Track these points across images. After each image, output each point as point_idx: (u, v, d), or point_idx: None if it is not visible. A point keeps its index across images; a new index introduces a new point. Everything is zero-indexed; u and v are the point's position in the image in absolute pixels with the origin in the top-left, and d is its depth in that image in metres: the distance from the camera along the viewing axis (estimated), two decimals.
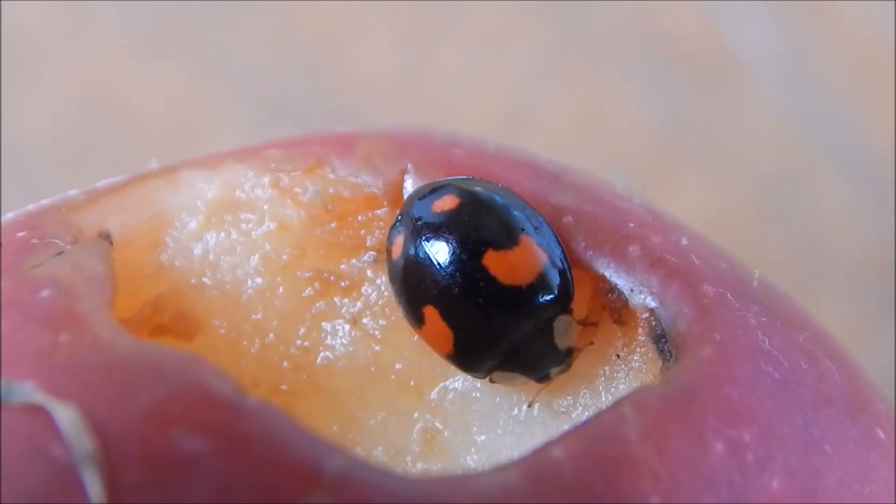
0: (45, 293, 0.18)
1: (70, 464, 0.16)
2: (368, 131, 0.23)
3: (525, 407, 0.20)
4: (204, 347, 0.22)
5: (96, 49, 0.48)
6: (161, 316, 0.21)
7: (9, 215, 0.22)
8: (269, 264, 0.22)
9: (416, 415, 0.21)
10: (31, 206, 0.22)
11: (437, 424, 0.21)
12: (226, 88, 0.48)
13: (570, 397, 0.20)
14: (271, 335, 0.22)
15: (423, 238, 0.20)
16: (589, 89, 0.48)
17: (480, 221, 0.20)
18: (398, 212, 0.21)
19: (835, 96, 0.47)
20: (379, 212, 0.22)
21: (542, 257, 0.20)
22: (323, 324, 0.22)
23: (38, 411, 0.16)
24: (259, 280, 0.22)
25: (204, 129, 0.47)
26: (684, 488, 0.17)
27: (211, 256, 0.22)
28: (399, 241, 0.20)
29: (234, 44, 0.48)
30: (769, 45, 0.47)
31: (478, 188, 0.20)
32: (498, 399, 0.21)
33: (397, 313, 0.21)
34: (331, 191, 0.22)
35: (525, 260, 0.20)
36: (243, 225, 0.22)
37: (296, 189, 0.22)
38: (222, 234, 0.22)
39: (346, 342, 0.21)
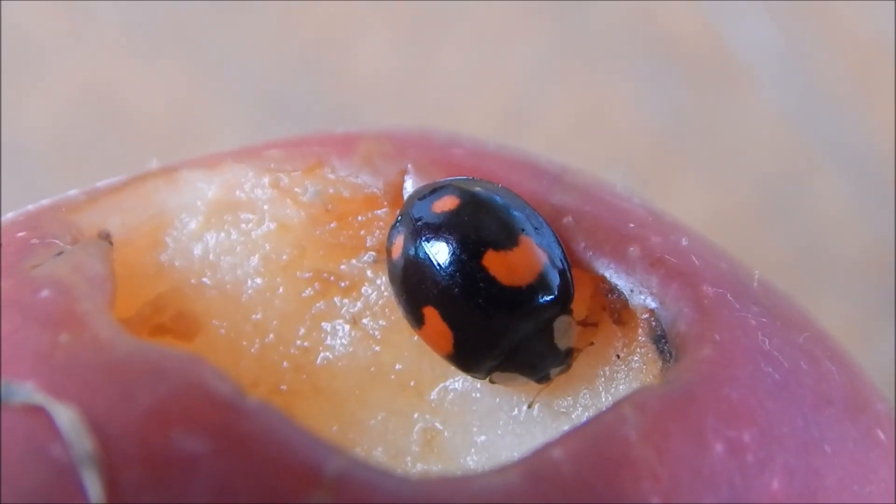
0: (44, 293, 0.18)
1: (70, 464, 0.16)
2: (368, 131, 0.23)
3: (525, 407, 0.20)
4: (204, 347, 0.22)
5: (96, 49, 0.48)
6: (161, 316, 0.21)
7: (9, 215, 0.22)
8: (269, 264, 0.22)
9: (416, 415, 0.21)
10: (31, 206, 0.22)
11: (437, 425, 0.21)
12: (226, 88, 0.48)
13: (570, 398, 0.20)
14: (271, 335, 0.22)
15: (424, 238, 0.20)
16: (589, 89, 0.48)
17: (480, 222, 0.20)
18: (398, 212, 0.21)
19: (835, 96, 0.47)
20: (379, 212, 0.22)
21: (542, 258, 0.20)
22: (323, 324, 0.22)
23: (38, 411, 0.16)
24: (259, 280, 0.22)
25: (204, 129, 0.47)
26: (684, 488, 0.17)
27: (211, 256, 0.22)
28: (399, 241, 0.20)
29: (234, 44, 0.48)
30: (769, 45, 0.47)
31: (478, 188, 0.20)
32: (498, 399, 0.21)
33: (397, 313, 0.21)
34: (331, 191, 0.22)
35: (525, 260, 0.20)
36: (243, 225, 0.22)
37: (296, 189, 0.22)
38: (222, 235, 0.22)
39: (346, 342, 0.21)
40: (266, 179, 0.22)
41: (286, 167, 0.22)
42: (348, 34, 0.48)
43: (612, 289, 0.20)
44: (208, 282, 0.22)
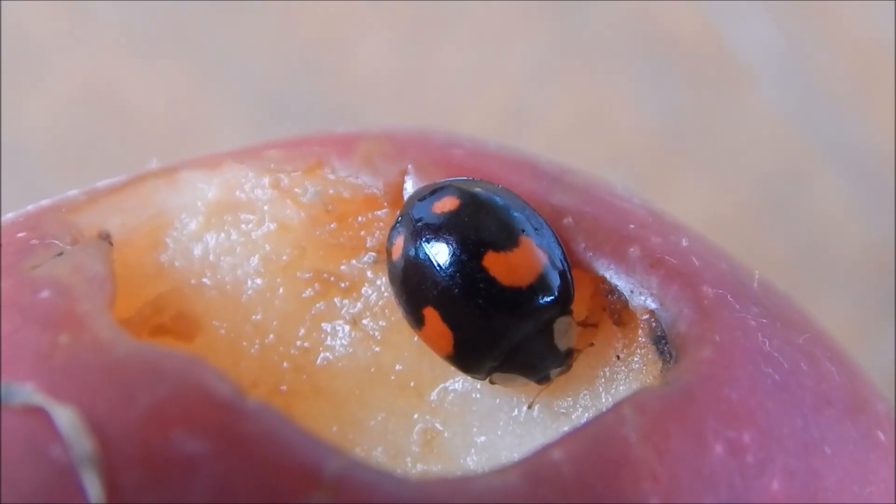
0: (44, 294, 0.18)
1: (69, 465, 0.16)
2: (368, 131, 0.23)
3: (525, 408, 0.20)
4: (204, 348, 0.22)
5: (96, 49, 0.48)
6: (161, 316, 0.21)
7: (9, 215, 0.22)
8: (269, 265, 0.22)
9: (415, 416, 0.21)
10: (31, 207, 0.22)
11: (437, 425, 0.21)
12: (226, 88, 0.48)
13: (570, 398, 0.20)
14: (271, 336, 0.22)
15: (424, 239, 0.20)
16: (589, 89, 0.48)
17: (480, 222, 0.20)
18: (398, 213, 0.21)
19: (835, 96, 0.47)
20: (379, 213, 0.22)
21: (543, 258, 0.20)
22: (323, 324, 0.22)
23: (38, 412, 0.16)
24: (259, 280, 0.22)
25: (204, 129, 0.47)
26: (684, 489, 0.17)
27: (211, 257, 0.22)
28: (399, 242, 0.20)
29: (234, 44, 0.48)
30: (769, 45, 0.47)
31: (478, 189, 0.20)
32: (498, 400, 0.21)
33: (397, 314, 0.21)
34: (331, 191, 0.22)
35: (525, 261, 0.20)
36: (243, 225, 0.22)
37: (296, 189, 0.22)
38: (222, 235, 0.22)
39: (346, 343, 0.21)
40: (266, 180, 0.22)
41: (286, 167, 0.22)
42: (348, 34, 0.48)
43: (613, 289, 0.20)
44: (208, 282, 0.22)
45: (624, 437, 0.17)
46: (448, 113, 0.48)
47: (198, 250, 0.22)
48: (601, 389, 0.20)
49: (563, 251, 0.20)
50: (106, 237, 0.21)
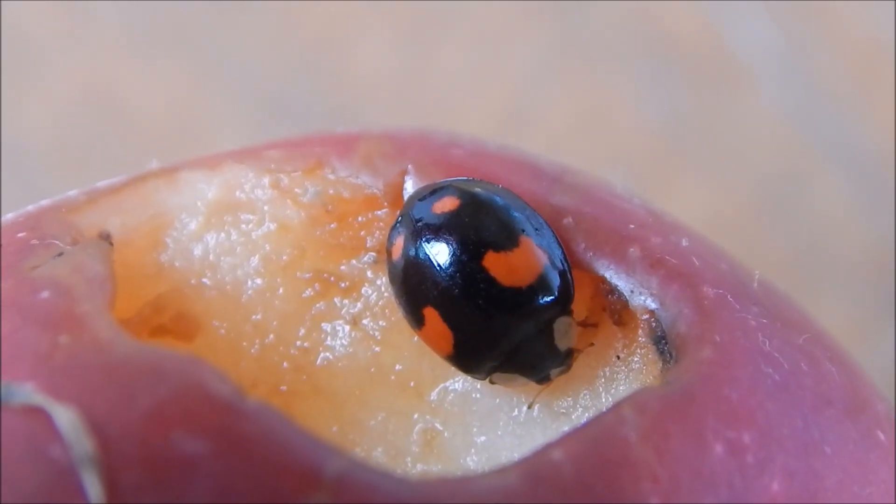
0: (44, 294, 0.18)
1: (69, 465, 0.16)
2: (368, 131, 0.23)
3: (525, 408, 0.20)
4: (204, 348, 0.22)
5: (96, 49, 0.48)
6: (161, 316, 0.21)
7: (9, 215, 0.22)
8: (269, 265, 0.22)
9: (416, 416, 0.21)
10: (31, 207, 0.22)
11: (437, 425, 0.21)
12: (226, 88, 0.48)
13: (570, 398, 0.20)
14: (271, 336, 0.22)
15: (424, 239, 0.20)
16: (589, 89, 0.48)
17: (481, 223, 0.20)
18: (398, 213, 0.21)
19: (835, 96, 0.47)
20: (379, 213, 0.22)
21: (543, 258, 0.20)
22: (323, 324, 0.22)
23: (38, 412, 0.16)
24: (259, 281, 0.22)
25: (204, 129, 0.47)
26: (684, 489, 0.17)
27: (211, 257, 0.22)
28: (399, 242, 0.20)
29: (234, 44, 0.48)
30: (769, 45, 0.47)
31: (478, 189, 0.20)
32: (498, 400, 0.21)
33: (397, 314, 0.21)
34: (331, 191, 0.22)
35: (525, 261, 0.20)
36: (243, 226, 0.22)
37: (296, 190, 0.22)
38: (222, 235, 0.22)
39: (346, 343, 0.21)
40: (266, 180, 0.22)
41: (286, 167, 0.22)
42: (348, 34, 0.48)
43: (613, 289, 0.20)
44: (208, 282, 0.22)
45: (624, 438, 0.17)
46: (448, 113, 0.48)
47: (198, 250, 0.22)
48: (601, 389, 0.20)
49: (563, 251, 0.20)
50: (106, 237, 0.21)
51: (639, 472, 0.17)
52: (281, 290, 0.22)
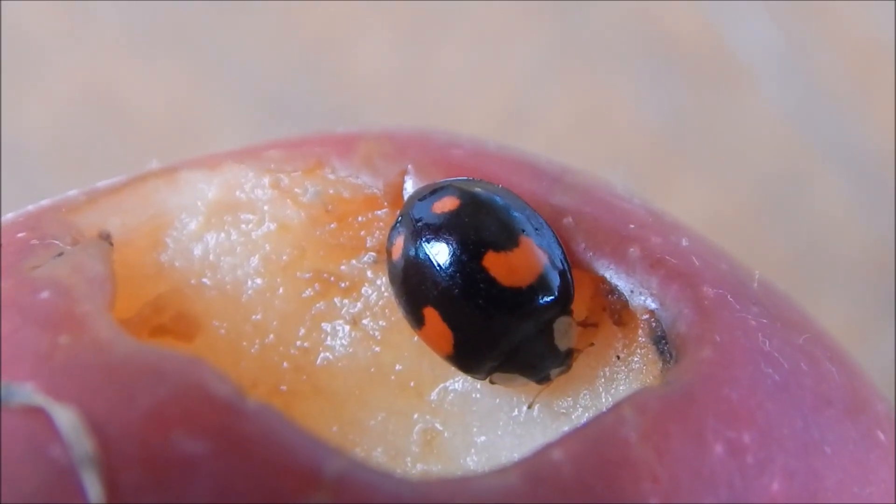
0: (44, 294, 0.18)
1: (69, 465, 0.16)
2: (368, 131, 0.23)
3: (525, 408, 0.20)
4: (204, 348, 0.22)
5: (96, 49, 0.48)
6: (161, 316, 0.21)
7: (9, 215, 0.22)
8: (269, 265, 0.22)
9: (415, 416, 0.21)
10: (31, 207, 0.22)
11: (437, 425, 0.21)
12: (226, 88, 0.48)
13: (570, 398, 0.20)
14: (271, 336, 0.22)
15: (424, 239, 0.20)
16: (589, 89, 0.48)
17: (481, 223, 0.20)
18: (398, 213, 0.21)
19: (835, 96, 0.47)
20: (379, 212, 0.22)
21: (543, 258, 0.20)
22: (323, 324, 0.22)
23: (38, 413, 0.16)
24: (259, 280, 0.22)
25: (204, 129, 0.47)
26: (684, 489, 0.17)
27: (211, 257, 0.22)
28: (399, 242, 0.20)
29: (234, 44, 0.48)
30: (769, 45, 0.47)
31: (478, 189, 0.20)
32: (498, 400, 0.21)
33: (397, 314, 0.21)
34: (331, 191, 0.22)
35: (525, 261, 0.20)
36: (243, 225, 0.22)
37: (296, 190, 0.22)
38: (222, 235, 0.22)
39: (346, 343, 0.21)
40: (266, 180, 0.22)
41: (286, 167, 0.22)
42: (348, 34, 0.48)
43: (613, 289, 0.20)
44: (208, 282, 0.22)
45: (624, 438, 0.17)
46: (448, 113, 0.48)
47: (198, 250, 0.22)
48: (601, 389, 0.20)
49: (563, 251, 0.20)
50: (106, 237, 0.21)
51: (639, 472, 0.17)
52: (281, 290, 0.22)
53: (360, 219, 0.22)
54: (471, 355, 0.20)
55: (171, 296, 0.22)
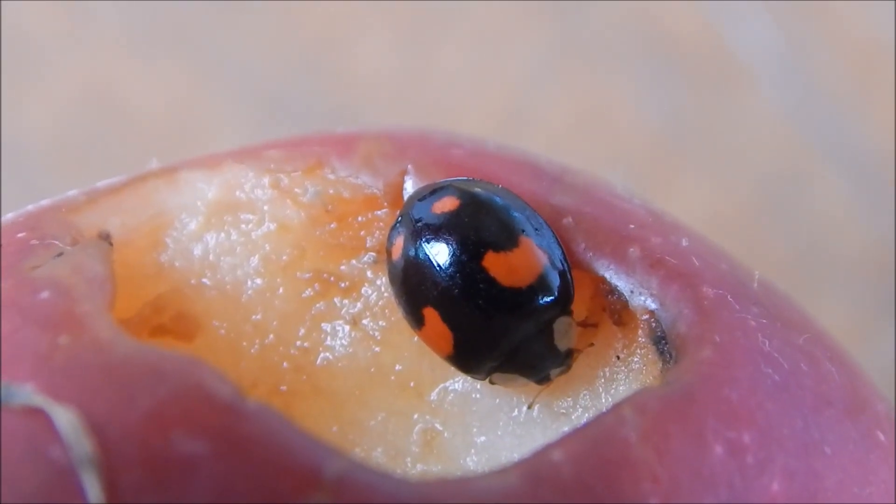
0: (44, 295, 0.18)
1: (69, 466, 0.16)
2: (368, 131, 0.23)
3: (525, 408, 0.20)
4: (204, 348, 0.22)
5: (96, 49, 0.48)
6: (161, 316, 0.21)
7: (9, 215, 0.22)
8: (269, 265, 0.22)
9: (415, 416, 0.21)
10: (31, 207, 0.22)
11: (437, 426, 0.21)
12: (226, 88, 0.48)
13: (570, 399, 0.20)
14: (271, 336, 0.22)
15: (424, 239, 0.20)
16: (589, 89, 0.48)
17: (480, 223, 0.20)
18: (398, 213, 0.21)
19: (835, 96, 0.47)
20: (379, 213, 0.22)
21: (543, 259, 0.20)
22: (323, 324, 0.22)
23: (38, 413, 0.16)
24: (259, 281, 0.22)
25: (204, 129, 0.47)
26: (684, 490, 0.17)
27: (211, 257, 0.22)
28: (399, 242, 0.20)
29: (234, 44, 0.48)
30: (769, 45, 0.47)
31: (478, 189, 0.20)
32: (498, 400, 0.21)
33: (397, 314, 0.21)
34: (331, 191, 0.22)
35: (525, 261, 0.20)
36: (243, 225, 0.22)
37: (296, 190, 0.22)
38: (222, 235, 0.22)
39: (345, 343, 0.21)
40: (266, 180, 0.22)
41: (286, 167, 0.22)
42: (348, 34, 0.48)
43: (613, 290, 0.20)
44: (208, 282, 0.22)
45: (624, 438, 0.17)
46: (448, 113, 0.48)
47: (198, 250, 0.22)
48: (601, 390, 0.20)
49: (563, 251, 0.20)
50: (106, 237, 0.21)
51: (639, 472, 0.17)
52: (281, 290, 0.22)
53: (360, 219, 0.22)
54: (471, 355, 0.20)
55: (171, 296, 0.22)
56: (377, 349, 0.21)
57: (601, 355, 0.20)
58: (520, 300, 0.20)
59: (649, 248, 0.20)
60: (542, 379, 0.20)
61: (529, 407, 0.20)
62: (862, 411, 0.20)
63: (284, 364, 0.21)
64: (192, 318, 0.22)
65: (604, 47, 0.48)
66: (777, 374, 0.19)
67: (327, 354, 0.21)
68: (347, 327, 0.21)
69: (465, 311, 0.20)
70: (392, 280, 0.21)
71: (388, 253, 0.21)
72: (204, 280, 0.22)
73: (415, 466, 0.20)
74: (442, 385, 0.21)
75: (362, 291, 0.22)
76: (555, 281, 0.20)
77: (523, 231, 0.20)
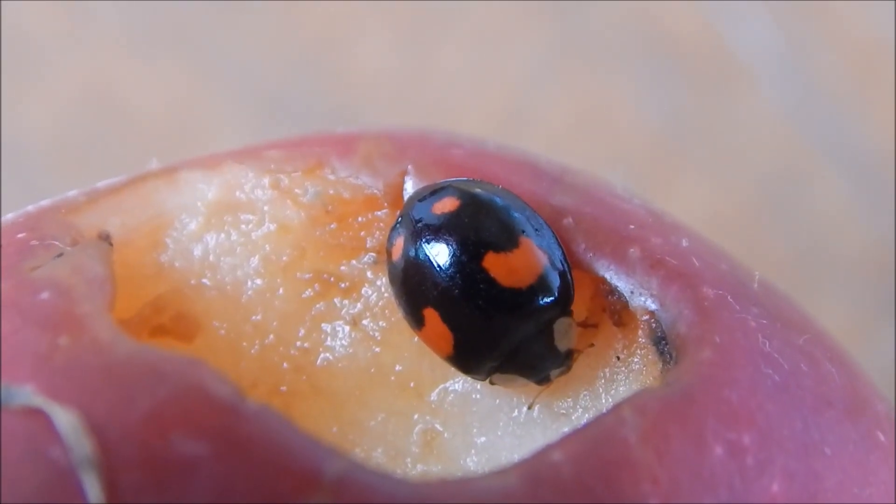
0: (44, 295, 0.18)
1: (69, 467, 0.16)
2: (368, 131, 0.23)
3: (525, 409, 0.20)
4: (204, 348, 0.21)
5: (96, 49, 0.48)
6: (161, 317, 0.21)
7: (9, 216, 0.22)
8: (269, 265, 0.22)
9: (415, 416, 0.21)
10: (30, 207, 0.22)
11: (437, 426, 0.21)
12: (226, 88, 0.48)
13: (570, 399, 0.20)
14: (271, 336, 0.22)
15: (424, 240, 0.20)
16: (589, 89, 0.48)
17: (480, 223, 0.20)
18: (398, 213, 0.21)
19: (835, 96, 0.47)
20: (379, 213, 0.22)
21: (543, 259, 0.20)
22: (323, 325, 0.22)
23: (38, 414, 0.16)
24: (259, 281, 0.22)
25: (204, 129, 0.47)
26: (684, 491, 0.17)
27: (211, 257, 0.22)
28: (399, 242, 0.20)
29: (234, 44, 0.48)
30: (769, 45, 0.47)
31: (478, 190, 0.20)
32: (498, 401, 0.21)
33: (397, 315, 0.21)
34: (331, 192, 0.22)
35: (525, 262, 0.20)
36: (243, 226, 0.22)
37: (296, 190, 0.22)
38: (222, 235, 0.22)
39: (346, 343, 0.21)
40: (266, 180, 0.22)
41: (286, 168, 0.22)
42: (348, 34, 0.48)
43: (613, 290, 0.20)
44: (208, 283, 0.22)
45: (624, 439, 0.17)
46: (448, 113, 0.48)
47: (198, 251, 0.22)
48: (601, 390, 0.20)
49: (563, 252, 0.20)
50: (106, 238, 0.21)
51: (638, 473, 0.17)
52: (281, 291, 0.22)
53: (360, 219, 0.22)
54: (471, 356, 0.20)
55: (170, 296, 0.22)
56: (377, 349, 0.21)
57: (601, 356, 0.20)
58: (520, 301, 0.20)
59: (649, 248, 0.20)
60: (543, 379, 0.20)
61: (529, 407, 0.20)
62: (862, 412, 0.20)
63: (284, 364, 0.21)
64: (192, 318, 0.22)
65: (604, 47, 0.48)
66: (777, 374, 0.19)
67: (327, 355, 0.21)
68: (347, 328, 0.21)
69: (465, 311, 0.20)
70: (392, 280, 0.21)
71: (389, 253, 0.21)
72: (204, 280, 0.22)
73: (415, 467, 0.20)
74: (442, 385, 0.21)
75: (362, 292, 0.22)
76: (555, 281, 0.20)
77: (523, 231, 0.20)
